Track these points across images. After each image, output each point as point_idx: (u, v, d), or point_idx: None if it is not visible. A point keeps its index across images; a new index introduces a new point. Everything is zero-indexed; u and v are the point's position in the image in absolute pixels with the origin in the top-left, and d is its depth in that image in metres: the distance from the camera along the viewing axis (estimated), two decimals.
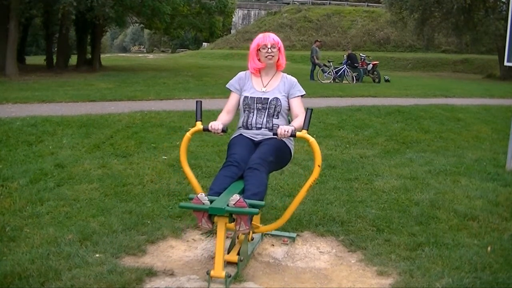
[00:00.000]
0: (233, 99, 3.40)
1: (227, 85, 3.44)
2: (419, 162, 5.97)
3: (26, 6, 16.54)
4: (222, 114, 3.35)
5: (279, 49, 3.33)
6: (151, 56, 41.12)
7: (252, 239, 3.39)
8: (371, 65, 19.47)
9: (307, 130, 3.06)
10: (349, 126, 8.02)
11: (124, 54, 46.68)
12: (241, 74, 3.44)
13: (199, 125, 3.20)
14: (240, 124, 3.39)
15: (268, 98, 3.29)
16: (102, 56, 24.58)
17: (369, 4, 43.88)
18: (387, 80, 19.22)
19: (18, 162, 5.30)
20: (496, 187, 4.94)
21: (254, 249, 3.32)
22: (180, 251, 3.37)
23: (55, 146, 6.00)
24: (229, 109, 3.38)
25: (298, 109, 3.29)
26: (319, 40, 22.18)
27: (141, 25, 25.68)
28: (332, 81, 18.35)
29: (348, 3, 45.60)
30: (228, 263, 2.97)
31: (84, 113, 7.80)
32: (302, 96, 3.36)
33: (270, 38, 3.32)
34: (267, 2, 48.13)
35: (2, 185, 4.50)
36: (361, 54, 20.64)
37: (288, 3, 46.06)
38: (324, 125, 7.99)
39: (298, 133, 3.05)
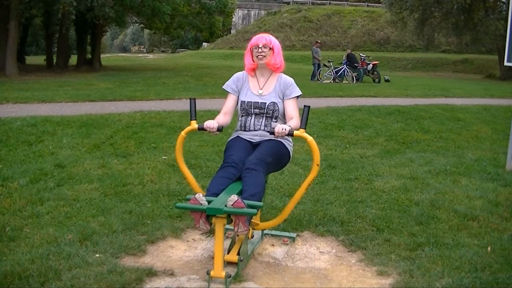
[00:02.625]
0: (230, 100, 3.34)
1: (223, 86, 3.38)
2: (419, 162, 5.97)
3: (26, 6, 16.55)
4: (220, 115, 3.29)
5: (272, 49, 3.26)
6: (151, 56, 41.13)
7: (252, 236, 3.38)
8: (371, 65, 19.48)
9: (305, 129, 3.00)
10: (349, 126, 8.02)
11: (124, 54, 46.69)
12: (238, 74, 3.38)
13: (193, 124, 3.13)
14: (237, 126, 3.36)
15: (265, 103, 3.24)
16: (102, 56, 24.61)
17: (369, 4, 43.89)
18: (387, 80, 19.24)
19: (18, 162, 5.30)
20: (496, 187, 4.94)
21: (254, 249, 3.31)
22: (180, 251, 3.37)
23: (55, 146, 6.00)
24: (226, 111, 3.30)
25: (293, 111, 3.21)
26: (318, 41, 22.21)
27: (141, 25, 25.70)
28: (332, 81, 18.37)
29: (348, 3, 45.61)
30: (228, 263, 2.97)
31: (84, 113, 7.81)
32: (298, 97, 3.29)
33: (263, 38, 3.27)
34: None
35: (2, 185, 4.50)
36: (361, 54, 20.65)
37: (288, 3, 46.06)
38: (324, 125, 7.99)
39: (296, 132, 2.98)
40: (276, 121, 3.26)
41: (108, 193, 4.42)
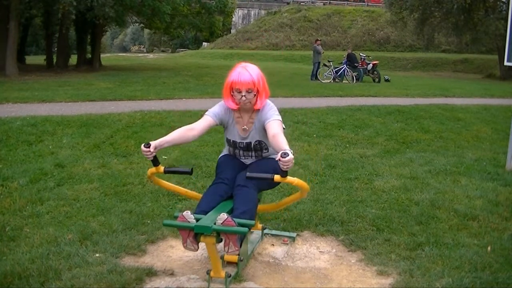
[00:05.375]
0: (205, 122, 2.96)
1: (206, 113, 3.02)
2: (419, 162, 5.97)
3: (26, 6, 16.54)
4: (181, 129, 2.90)
5: (257, 90, 2.89)
6: (151, 55, 41.10)
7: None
8: (371, 65, 19.47)
9: (286, 177, 2.65)
10: (349, 126, 8.02)
11: (124, 54, 46.65)
12: (224, 105, 3.03)
13: (160, 169, 2.91)
14: (226, 149, 3.22)
15: (251, 143, 3.05)
16: (102, 55, 24.59)
17: (369, 4, 43.85)
18: (387, 80, 19.23)
19: (18, 162, 5.30)
20: (496, 187, 4.94)
21: (254, 249, 3.32)
22: (180, 251, 3.36)
23: (55, 146, 6.00)
24: (193, 127, 2.92)
25: (274, 129, 2.80)
26: (319, 39, 22.19)
27: (141, 25, 25.70)
28: (332, 81, 18.37)
29: (348, 3, 45.58)
30: (228, 263, 2.97)
31: (84, 113, 7.81)
32: (276, 120, 2.88)
33: (245, 78, 2.84)
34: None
35: (2, 185, 4.50)
36: (361, 54, 20.64)
37: (288, 3, 46.04)
38: (324, 125, 7.99)
39: (276, 177, 2.65)
40: (267, 152, 3.10)
41: (108, 193, 4.42)
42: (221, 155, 3.24)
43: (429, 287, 2.85)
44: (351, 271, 3.13)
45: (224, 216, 2.55)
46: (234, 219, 2.58)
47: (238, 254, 2.85)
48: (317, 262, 3.26)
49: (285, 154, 2.50)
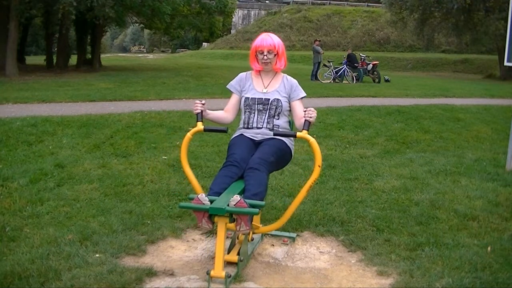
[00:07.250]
0: (232, 99, 3.41)
1: (227, 86, 3.45)
2: (419, 162, 5.97)
3: (26, 6, 16.54)
4: (219, 110, 3.39)
5: (277, 52, 3.30)
6: (151, 56, 41.12)
7: (252, 239, 3.39)
8: (371, 65, 19.48)
9: (308, 130, 3.05)
10: (349, 126, 8.02)
11: (124, 54, 46.69)
12: (242, 75, 3.44)
13: (199, 126, 3.19)
14: (240, 124, 3.40)
15: (269, 99, 3.29)
16: (102, 56, 24.59)
17: (369, 4, 43.89)
18: (387, 80, 19.24)
19: (18, 162, 5.30)
20: (496, 187, 4.94)
21: (254, 249, 3.31)
22: (180, 251, 3.37)
23: (55, 146, 6.00)
24: (227, 108, 3.39)
25: (302, 112, 3.23)
26: (318, 39, 22.24)
27: (141, 25, 25.69)
28: (332, 81, 18.38)
29: (348, 3, 45.60)
30: (228, 263, 2.97)
31: (84, 113, 7.81)
32: (302, 98, 3.35)
33: (267, 42, 3.28)
34: (267, 2, 48.04)
35: (2, 185, 4.50)
36: (361, 54, 20.67)
37: (288, 3, 46.06)
38: (324, 125, 7.99)
39: (298, 133, 3.05)
40: (278, 119, 3.29)
41: (108, 193, 4.42)
42: (232, 137, 3.38)
43: (429, 287, 2.85)
44: (351, 271, 3.13)
45: (237, 198, 2.72)
46: (246, 200, 2.73)
47: (248, 234, 3.08)
48: (317, 263, 3.26)
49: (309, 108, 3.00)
